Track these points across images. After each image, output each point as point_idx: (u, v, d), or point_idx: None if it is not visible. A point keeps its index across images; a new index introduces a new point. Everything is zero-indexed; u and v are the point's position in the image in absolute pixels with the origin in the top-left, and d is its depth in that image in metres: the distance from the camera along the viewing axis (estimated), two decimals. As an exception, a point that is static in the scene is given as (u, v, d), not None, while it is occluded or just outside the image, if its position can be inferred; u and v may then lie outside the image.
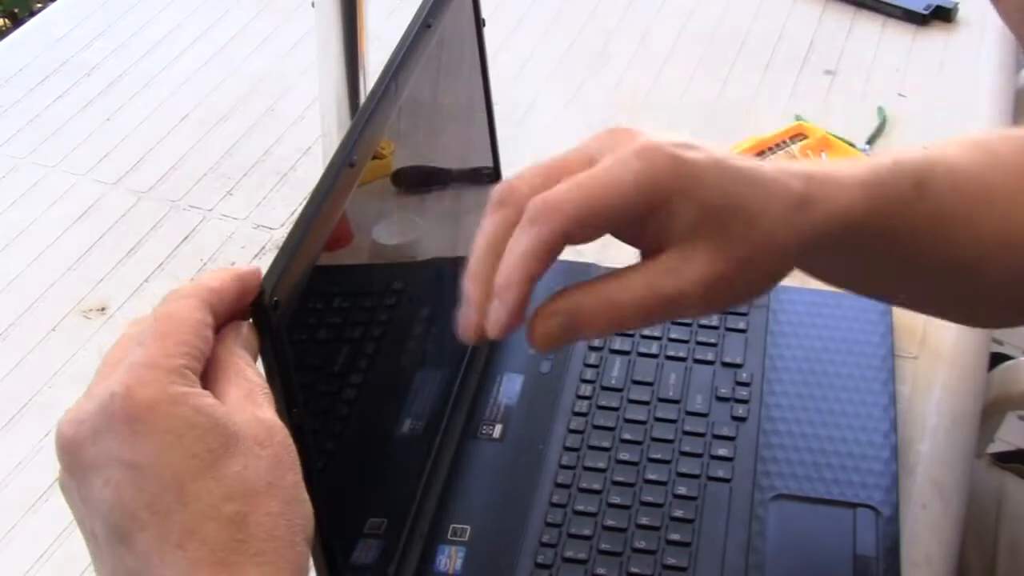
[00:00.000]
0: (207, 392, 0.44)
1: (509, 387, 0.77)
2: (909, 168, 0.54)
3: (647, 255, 0.51)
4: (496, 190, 0.50)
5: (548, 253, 0.48)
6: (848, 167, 0.53)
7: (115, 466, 0.42)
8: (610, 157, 0.49)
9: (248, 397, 0.45)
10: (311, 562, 0.52)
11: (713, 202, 0.49)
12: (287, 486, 0.44)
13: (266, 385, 0.46)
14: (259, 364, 0.47)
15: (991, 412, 1.03)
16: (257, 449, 0.43)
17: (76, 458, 0.43)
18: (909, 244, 0.55)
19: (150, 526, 0.41)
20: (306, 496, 0.45)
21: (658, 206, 0.49)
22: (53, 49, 1.16)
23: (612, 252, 0.60)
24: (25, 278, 0.91)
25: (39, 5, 2.25)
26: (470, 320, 0.49)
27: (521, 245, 0.48)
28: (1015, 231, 0.56)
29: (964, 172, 0.56)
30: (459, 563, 0.67)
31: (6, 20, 2.37)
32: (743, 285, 0.51)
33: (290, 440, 0.45)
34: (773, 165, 0.52)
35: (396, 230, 0.67)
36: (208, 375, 0.46)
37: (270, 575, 0.41)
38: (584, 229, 0.48)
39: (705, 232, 0.49)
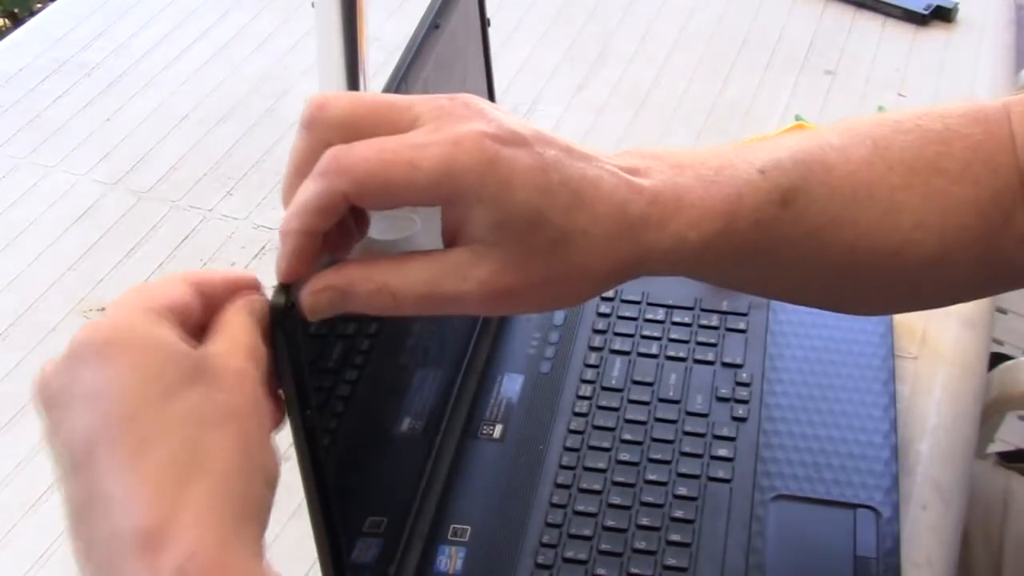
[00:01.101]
0: (178, 331, 0.44)
1: (509, 387, 0.77)
2: (779, 178, 0.50)
3: (445, 237, 0.48)
4: (307, 105, 0.46)
5: (329, 210, 0.45)
6: (711, 181, 0.49)
7: (77, 396, 0.42)
8: (429, 130, 0.45)
9: (229, 351, 0.44)
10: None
11: (516, 213, 0.45)
12: (248, 429, 0.43)
13: (256, 348, 0.46)
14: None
15: (991, 412, 1.04)
16: (215, 393, 0.43)
17: (45, 394, 0.44)
18: (778, 254, 0.51)
19: (100, 447, 0.41)
20: (271, 449, 0.44)
21: (456, 202, 0.46)
22: (53, 49, 1.16)
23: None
24: (25, 278, 0.91)
25: (39, 5, 2.26)
26: None
27: (304, 195, 0.45)
28: (889, 236, 0.51)
29: (842, 172, 0.51)
30: (459, 563, 0.67)
31: (6, 20, 2.37)
32: (535, 301, 0.48)
33: (259, 394, 0.45)
34: (624, 178, 0.48)
35: (394, 226, 0.67)
36: (203, 334, 0.46)
37: (218, 500, 0.41)
38: (372, 198, 0.45)
39: (502, 242, 0.46)
